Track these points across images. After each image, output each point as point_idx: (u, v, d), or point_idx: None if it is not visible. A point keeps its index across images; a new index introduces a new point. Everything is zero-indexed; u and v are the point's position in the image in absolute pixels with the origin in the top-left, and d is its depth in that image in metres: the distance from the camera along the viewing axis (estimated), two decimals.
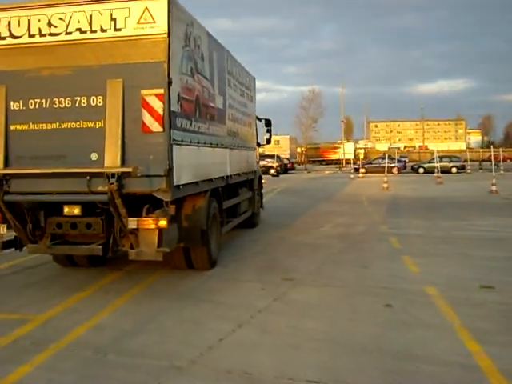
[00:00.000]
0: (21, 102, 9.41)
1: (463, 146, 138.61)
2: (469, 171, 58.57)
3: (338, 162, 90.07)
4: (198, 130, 10.64)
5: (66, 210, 9.85)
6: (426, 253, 13.25)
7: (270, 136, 20.69)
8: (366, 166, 59.92)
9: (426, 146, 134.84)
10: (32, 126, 9.39)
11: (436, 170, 50.48)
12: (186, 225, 10.63)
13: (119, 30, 9.06)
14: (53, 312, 9.01)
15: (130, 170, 8.83)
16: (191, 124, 10.16)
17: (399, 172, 57.87)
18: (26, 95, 9.39)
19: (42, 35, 9.34)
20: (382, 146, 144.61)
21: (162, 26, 8.92)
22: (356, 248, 14.10)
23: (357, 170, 57.77)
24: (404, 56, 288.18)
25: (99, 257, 11.15)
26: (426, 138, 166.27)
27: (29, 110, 9.38)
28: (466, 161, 63.35)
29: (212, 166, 11.82)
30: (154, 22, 8.93)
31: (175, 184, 9.24)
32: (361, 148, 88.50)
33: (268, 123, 20.27)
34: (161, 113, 8.89)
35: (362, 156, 74.36)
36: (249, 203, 17.13)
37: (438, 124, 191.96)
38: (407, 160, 68.92)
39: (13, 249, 10.57)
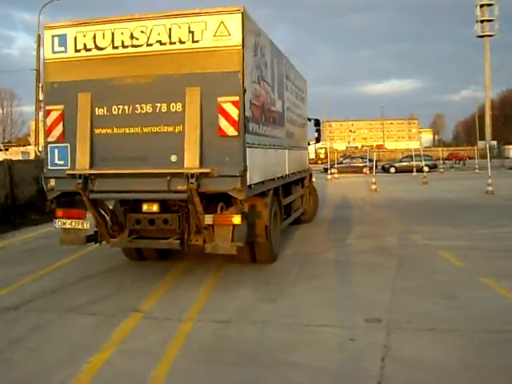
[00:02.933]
0: (105, 108, 10.26)
1: (418, 145, 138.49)
2: (441, 170, 58.10)
3: None
4: (264, 133, 11.43)
5: (145, 207, 10.77)
6: (507, 274, 11.00)
7: (319, 135, 21.63)
8: (336, 166, 58.61)
9: (383, 145, 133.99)
10: (115, 130, 10.24)
11: (414, 170, 51.95)
12: (252, 221, 11.34)
13: (197, 41, 9.86)
14: None
15: (208, 170, 9.66)
16: (259, 128, 10.96)
17: (371, 172, 54.21)
18: (110, 102, 10.23)
19: (124, 47, 10.19)
20: (339, 146, 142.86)
21: (236, 39, 9.72)
22: (413, 269, 11.71)
23: (326, 170, 55.75)
24: (354, 56, 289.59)
25: (166, 251, 12.22)
26: (380, 137, 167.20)
27: (112, 115, 10.23)
28: (438, 159, 64.27)
29: (274, 166, 12.62)
30: (230, 34, 9.72)
31: (248, 183, 10.01)
32: (321, 148, 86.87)
33: (317, 123, 21.10)
34: (236, 118, 9.69)
35: (322, 156, 73.19)
36: (301, 200, 17.88)
37: (392, 123, 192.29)
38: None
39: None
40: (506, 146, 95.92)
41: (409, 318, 8.38)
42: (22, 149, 58.38)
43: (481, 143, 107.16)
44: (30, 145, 59.00)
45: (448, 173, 56.63)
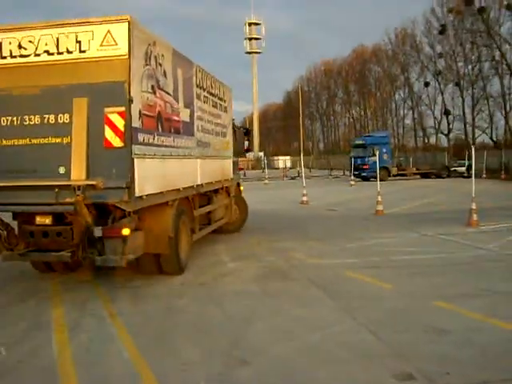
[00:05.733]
0: None
1: None
2: None
3: None
4: (162, 143, 11.20)
5: (38, 219, 10.54)
6: (448, 293, 10.32)
7: (249, 145, 21.60)
8: None
9: None
10: (4, 142, 10.06)
11: None
12: (153, 232, 11.20)
13: (84, 51, 9.74)
14: None
15: (94, 182, 9.48)
16: (154, 138, 10.74)
17: None
18: None
19: (12, 57, 10.02)
20: None
21: (123, 48, 9.60)
22: (348, 296, 10.33)
23: None
24: None
25: (74, 262, 11.65)
26: None
27: (1, 126, 10.06)
28: None
29: (180, 175, 12.40)
30: (116, 44, 9.61)
31: (137, 195, 9.88)
32: None
33: (246, 132, 21.16)
34: (122, 129, 9.56)
35: None
36: (226, 210, 17.69)
37: None
38: None
39: None
40: (275, 157, 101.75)
41: (441, 368, 6.77)
42: None
43: (249, 155, 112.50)
44: None
45: None
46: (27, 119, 9.96)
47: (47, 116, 9.89)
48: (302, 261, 13.84)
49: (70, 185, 9.54)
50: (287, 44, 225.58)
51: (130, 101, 9.62)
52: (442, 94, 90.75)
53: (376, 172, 53.71)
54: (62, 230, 10.50)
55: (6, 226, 10.89)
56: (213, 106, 15.93)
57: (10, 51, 10.03)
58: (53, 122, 9.87)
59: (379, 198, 23.73)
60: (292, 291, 10.93)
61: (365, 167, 55.49)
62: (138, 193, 9.86)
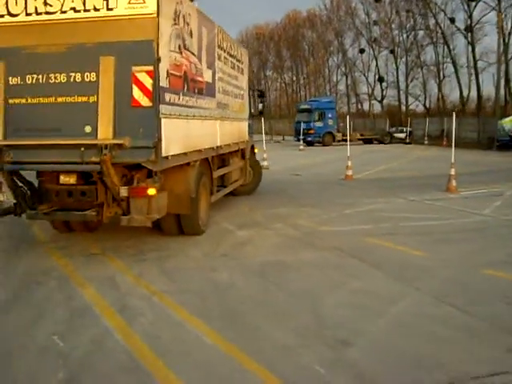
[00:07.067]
0: (19, 77, 9.91)
1: None
2: None
3: None
4: (187, 103, 11.17)
5: (62, 178, 10.55)
6: (484, 260, 10.19)
7: (264, 107, 21.40)
8: None
9: None
10: (29, 100, 9.91)
11: None
12: (175, 192, 11.21)
13: (111, 9, 9.56)
14: None
15: (121, 141, 9.45)
16: (179, 98, 10.71)
17: None
18: (24, 71, 9.89)
19: (38, 13, 9.81)
20: None
21: (151, 6, 9.45)
22: (394, 267, 9.88)
23: None
24: None
25: (94, 223, 11.88)
26: None
27: (26, 84, 9.90)
28: None
29: (201, 137, 12.40)
30: (144, 2, 9.46)
31: (164, 155, 9.85)
32: None
33: (261, 94, 21.02)
34: (150, 88, 9.48)
35: None
36: (241, 172, 17.78)
37: None
38: None
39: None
40: None
41: None
42: None
43: None
44: None
45: None
46: (53, 77, 9.82)
47: (73, 74, 9.75)
48: (312, 228, 13.30)
49: (96, 144, 9.53)
50: (219, 6, 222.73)
51: (159, 60, 9.53)
52: (377, 60, 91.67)
53: (320, 137, 55.54)
54: (87, 189, 10.54)
55: (29, 185, 10.92)
56: (231, 67, 15.88)
57: (36, 8, 9.83)
58: (79, 80, 9.74)
59: (349, 163, 23.73)
60: (329, 262, 10.31)
61: (310, 132, 55.98)
62: (164, 153, 9.85)
